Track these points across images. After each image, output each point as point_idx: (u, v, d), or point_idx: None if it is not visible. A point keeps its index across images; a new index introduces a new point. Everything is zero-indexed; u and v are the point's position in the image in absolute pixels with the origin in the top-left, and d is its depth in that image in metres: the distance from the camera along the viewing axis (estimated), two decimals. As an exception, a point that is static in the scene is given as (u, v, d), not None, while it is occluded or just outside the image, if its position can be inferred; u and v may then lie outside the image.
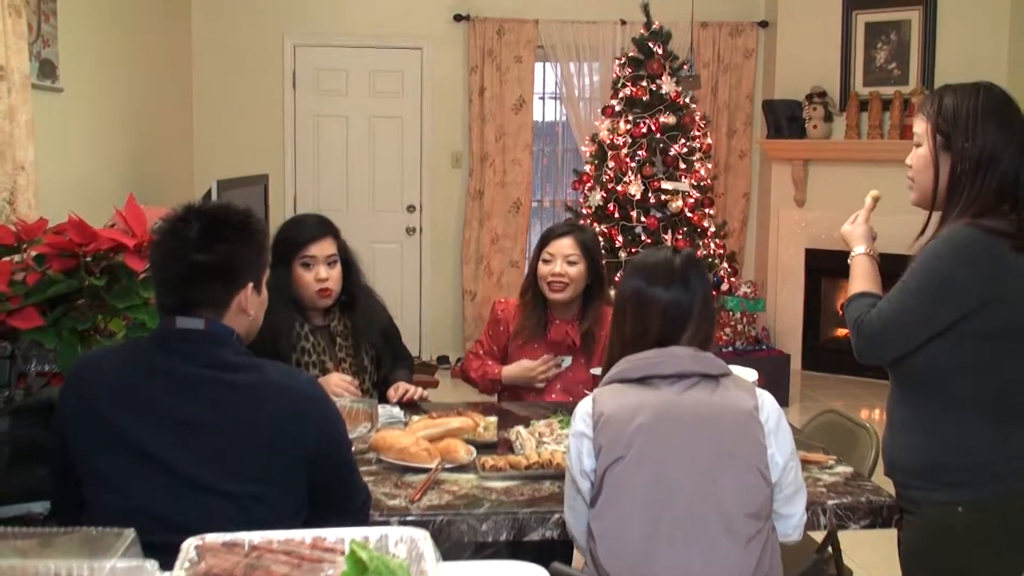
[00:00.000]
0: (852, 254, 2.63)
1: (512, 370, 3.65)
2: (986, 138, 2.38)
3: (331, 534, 1.78)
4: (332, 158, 8.18)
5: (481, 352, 3.79)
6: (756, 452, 2.30)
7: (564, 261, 3.59)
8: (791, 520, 2.40)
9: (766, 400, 2.37)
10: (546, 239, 3.64)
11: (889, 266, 2.61)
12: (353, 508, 2.29)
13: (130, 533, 1.65)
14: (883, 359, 2.47)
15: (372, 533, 1.78)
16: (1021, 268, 2.35)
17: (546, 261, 3.62)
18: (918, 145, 2.51)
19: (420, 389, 3.53)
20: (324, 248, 3.40)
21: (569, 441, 2.37)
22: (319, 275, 3.38)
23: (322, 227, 3.45)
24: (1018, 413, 2.45)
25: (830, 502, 2.65)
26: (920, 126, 2.50)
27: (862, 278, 2.56)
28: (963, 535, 2.41)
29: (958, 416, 2.41)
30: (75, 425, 2.14)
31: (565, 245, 3.60)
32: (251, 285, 2.23)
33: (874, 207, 2.71)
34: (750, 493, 2.27)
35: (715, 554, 2.21)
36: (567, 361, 3.63)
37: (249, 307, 2.23)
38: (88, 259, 2.77)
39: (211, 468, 2.07)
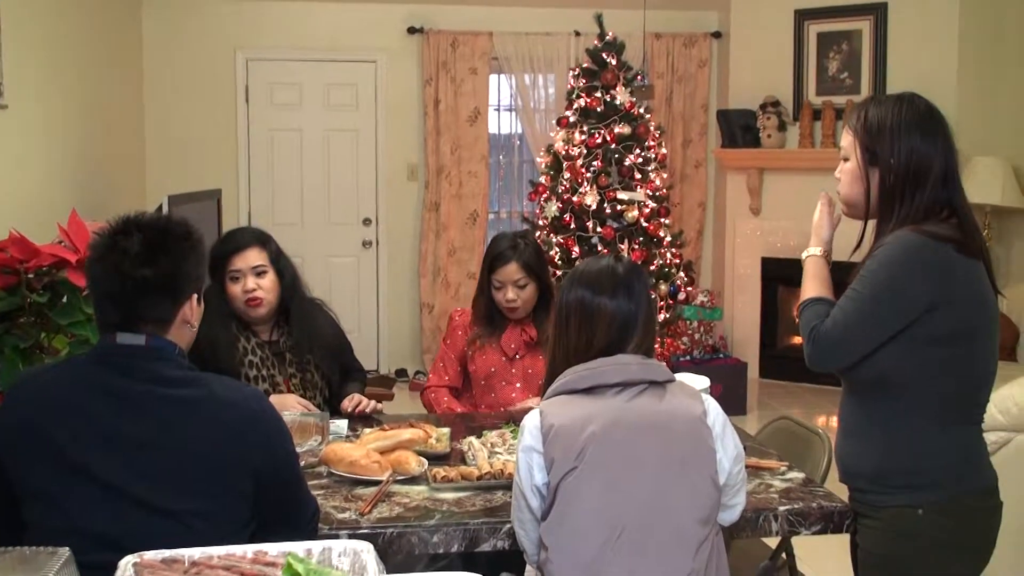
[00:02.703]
0: (805, 254, 2.62)
1: None
2: (912, 150, 2.42)
3: (273, 548, 1.76)
4: (287, 172, 8.13)
5: (445, 378, 3.79)
6: (707, 458, 2.30)
7: (514, 287, 3.64)
8: (735, 509, 2.44)
9: (711, 405, 2.38)
10: (493, 264, 3.66)
11: (833, 274, 2.62)
12: (302, 522, 2.27)
13: (64, 551, 1.62)
14: (835, 368, 2.48)
15: (315, 546, 1.76)
16: (966, 271, 2.38)
17: (497, 288, 3.67)
18: (845, 159, 2.54)
19: (373, 402, 3.50)
20: (248, 259, 3.36)
21: (518, 456, 2.35)
22: (246, 286, 3.34)
23: (246, 238, 3.42)
24: (973, 415, 2.49)
25: (782, 508, 2.65)
26: (847, 140, 2.54)
27: (814, 280, 2.56)
28: (923, 538, 2.42)
29: (914, 420, 2.42)
30: (12, 444, 2.09)
31: (511, 271, 3.63)
32: (195, 297, 2.20)
33: (828, 207, 2.70)
34: (701, 500, 2.27)
35: (666, 562, 2.20)
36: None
37: (193, 319, 2.21)
38: (30, 275, 2.74)
39: (153, 485, 2.03)
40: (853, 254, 2.56)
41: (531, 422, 2.33)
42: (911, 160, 2.41)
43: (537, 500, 2.31)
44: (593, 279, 2.42)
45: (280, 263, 3.45)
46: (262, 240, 3.43)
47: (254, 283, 3.35)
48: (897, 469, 2.45)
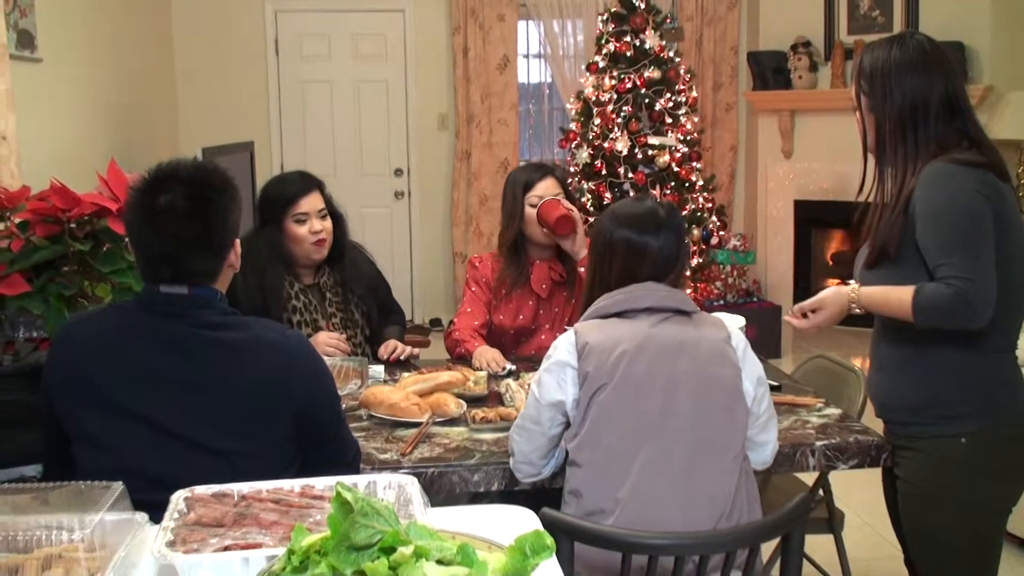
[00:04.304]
0: (856, 302, 2.52)
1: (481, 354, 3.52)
2: (904, 90, 2.45)
3: (320, 482, 1.80)
4: (318, 124, 8.16)
5: (475, 323, 3.63)
6: (734, 377, 2.37)
7: None
8: (767, 447, 2.49)
9: (734, 331, 2.46)
10: (529, 183, 3.60)
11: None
12: (343, 463, 2.30)
13: (118, 486, 1.66)
14: (990, 313, 2.33)
15: (361, 480, 1.80)
16: (1009, 194, 2.42)
17: (534, 205, 3.56)
18: (855, 109, 2.58)
19: (409, 348, 3.53)
20: (314, 202, 3.41)
21: (543, 374, 2.41)
22: (313, 228, 3.38)
23: (308, 181, 3.46)
24: (1008, 342, 2.51)
25: (819, 443, 2.68)
26: (852, 90, 2.58)
27: (885, 291, 2.46)
28: (966, 465, 2.47)
29: (953, 350, 2.45)
30: (62, 388, 2.14)
31: (549, 186, 3.58)
32: (237, 241, 2.23)
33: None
34: (730, 417, 2.34)
35: (697, 478, 2.27)
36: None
37: (237, 263, 2.24)
38: (72, 224, 2.77)
39: (200, 426, 2.07)
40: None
41: (565, 340, 2.41)
42: (905, 100, 2.45)
43: (555, 415, 2.39)
44: (637, 220, 2.49)
45: (335, 207, 3.52)
46: (320, 185, 3.49)
47: (320, 225, 3.40)
48: (938, 399, 2.48)
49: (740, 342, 2.44)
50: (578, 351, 2.36)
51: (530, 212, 3.57)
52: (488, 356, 3.42)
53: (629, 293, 2.42)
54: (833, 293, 2.56)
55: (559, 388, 2.38)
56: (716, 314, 2.63)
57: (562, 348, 2.40)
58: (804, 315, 2.65)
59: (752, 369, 2.42)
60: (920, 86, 2.44)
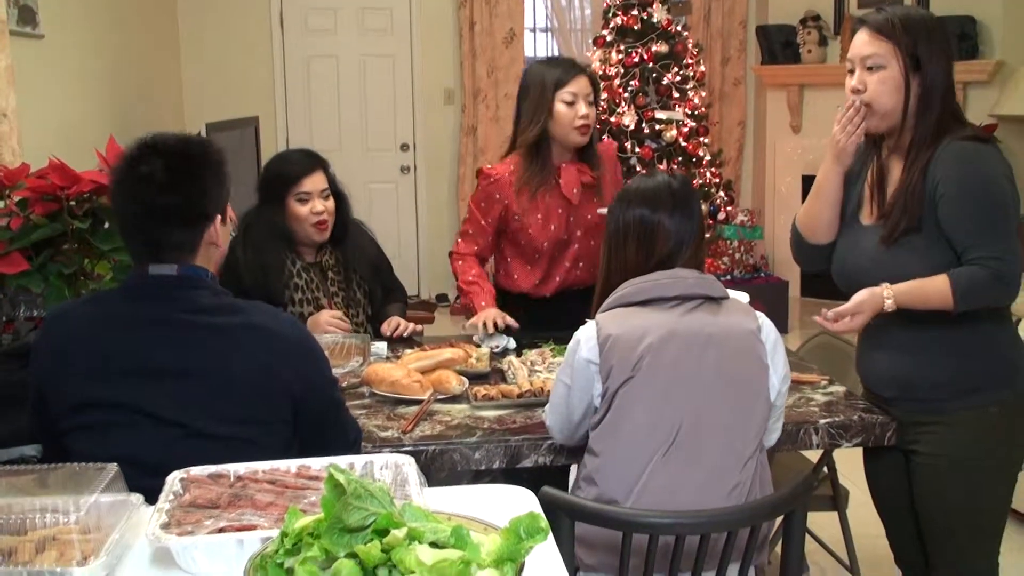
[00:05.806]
0: (888, 303, 2.45)
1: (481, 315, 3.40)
2: (947, 57, 2.44)
3: (316, 462, 1.79)
4: (323, 99, 8.12)
5: (474, 248, 3.54)
6: (759, 373, 2.32)
7: (586, 102, 3.36)
8: (772, 435, 2.46)
9: (765, 322, 2.40)
10: (561, 79, 3.36)
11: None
12: (344, 445, 2.25)
13: (113, 467, 1.65)
14: (1019, 288, 2.40)
15: (358, 460, 1.79)
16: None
17: (569, 103, 3.34)
18: (875, 68, 2.46)
19: (412, 325, 3.52)
20: (317, 182, 3.37)
21: (569, 369, 2.37)
22: (315, 208, 3.35)
23: (312, 160, 3.42)
24: (1009, 311, 2.55)
25: (822, 421, 2.66)
26: (879, 46, 2.45)
27: (919, 286, 2.42)
28: (998, 433, 2.49)
29: (982, 324, 2.46)
30: (50, 381, 2.10)
31: (584, 85, 3.38)
32: (219, 218, 2.16)
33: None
34: (752, 413, 2.30)
35: (714, 473, 2.24)
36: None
37: (219, 240, 2.17)
38: (71, 202, 2.76)
39: (193, 413, 2.03)
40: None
41: (587, 334, 2.35)
42: (946, 64, 2.43)
43: (587, 407, 2.36)
44: (651, 197, 2.44)
45: (338, 187, 3.48)
46: (324, 164, 3.45)
47: (322, 205, 3.36)
48: (971, 372, 2.49)
49: (770, 335, 2.37)
50: (600, 345, 2.30)
51: (560, 110, 3.35)
52: (490, 315, 3.33)
53: (655, 281, 2.35)
54: (869, 295, 2.47)
55: (586, 386, 2.34)
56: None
57: (584, 345, 2.34)
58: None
59: (780, 366, 2.37)
60: (950, 53, 2.45)
